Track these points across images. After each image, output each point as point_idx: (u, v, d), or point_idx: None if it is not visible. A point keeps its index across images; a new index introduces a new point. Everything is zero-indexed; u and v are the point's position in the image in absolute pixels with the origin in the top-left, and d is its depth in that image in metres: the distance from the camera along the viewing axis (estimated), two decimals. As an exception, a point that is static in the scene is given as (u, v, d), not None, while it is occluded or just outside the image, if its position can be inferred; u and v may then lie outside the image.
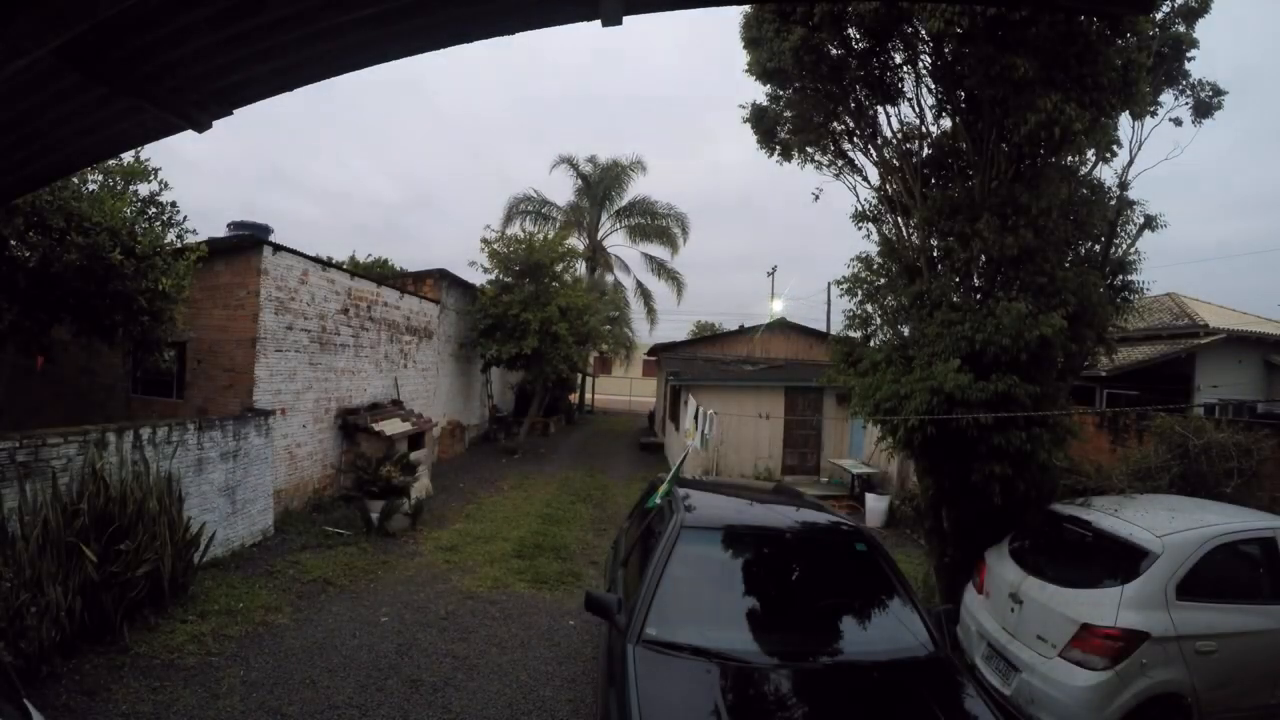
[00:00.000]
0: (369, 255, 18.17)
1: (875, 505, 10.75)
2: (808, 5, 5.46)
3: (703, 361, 17.12)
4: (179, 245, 6.77)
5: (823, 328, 20.83)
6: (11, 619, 4.15)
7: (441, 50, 3.22)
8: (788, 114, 6.73)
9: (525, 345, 14.25)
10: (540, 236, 16.08)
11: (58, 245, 5.57)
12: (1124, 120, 5.62)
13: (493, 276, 15.62)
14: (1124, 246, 6.10)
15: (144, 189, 6.57)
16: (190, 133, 3.62)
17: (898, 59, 5.89)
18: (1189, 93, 6.01)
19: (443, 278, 14.57)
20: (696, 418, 10.03)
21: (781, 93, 6.64)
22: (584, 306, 16.21)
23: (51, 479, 4.91)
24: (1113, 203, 6.00)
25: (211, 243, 7.46)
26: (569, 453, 17.13)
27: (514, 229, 21.68)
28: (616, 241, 25.87)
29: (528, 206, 24.29)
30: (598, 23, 2.88)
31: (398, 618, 5.93)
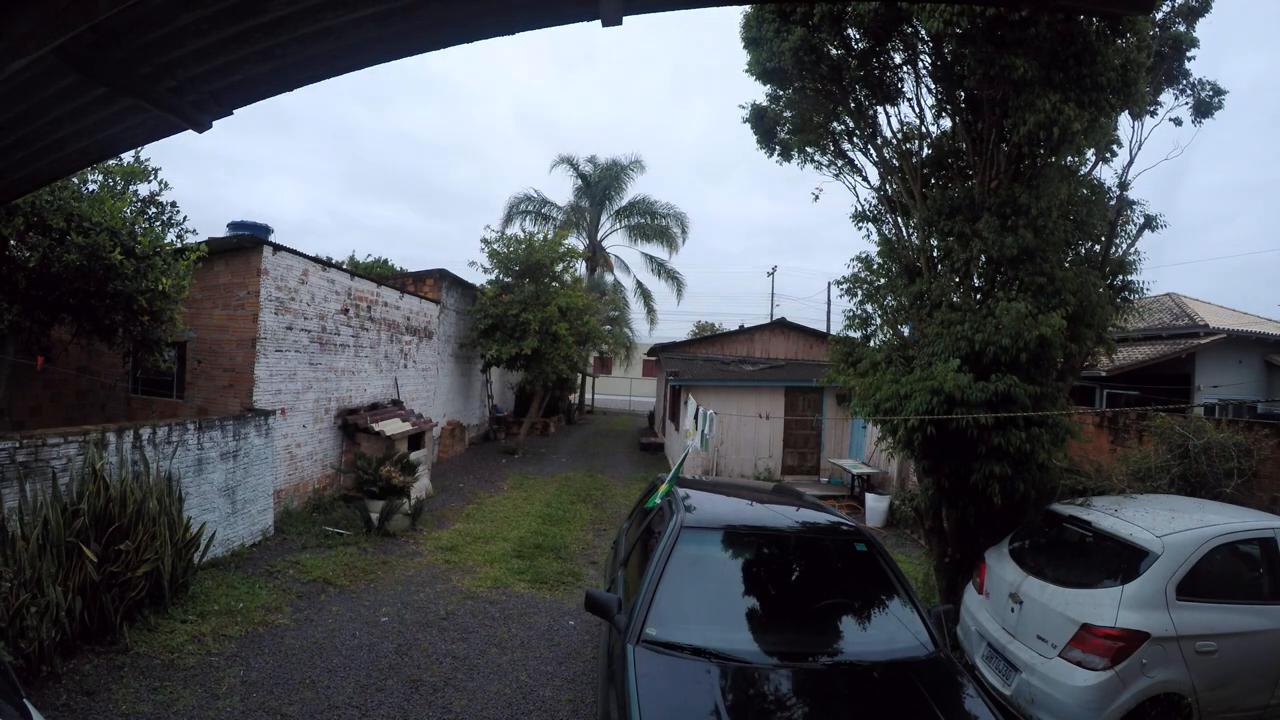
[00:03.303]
0: (369, 255, 18.23)
1: (875, 505, 10.75)
2: (808, 5, 5.47)
3: (703, 361, 17.11)
4: (179, 245, 6.77)
5: (822, 328, 20.85)
6: (11, 619, 4.15)
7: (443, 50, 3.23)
8: (787, 114, 6.73)
9: (525, 345, 14.25)
10: (540, 236, 16.08)
11: (58, 245, 5.57)
12: (1124, 120, 5.63)
13: (493, 276, 15.63)
14: (1124, 246, 6.10)
15: (144, 189, 6.58)
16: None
17: (897, 59, 5.89)
18: (1189, 92, 6.01)
19: (443, 278, 14.58)
20: (696, 418, 10.02)
21: (781, 93, 6.64)
22: (584, 306, 16.21)
23: (51, 479, 4.92)
24: (1113, 203, 6.00)
25: (211, 243, 7.46)
26: (569, 453, 17.13)
27: (514, 229, 21.74)
28: (616, 241, 25.93)
29: (528, 206, 24.31)
30: (598, 22, 2.89)
31: (398, 618, 5.93)
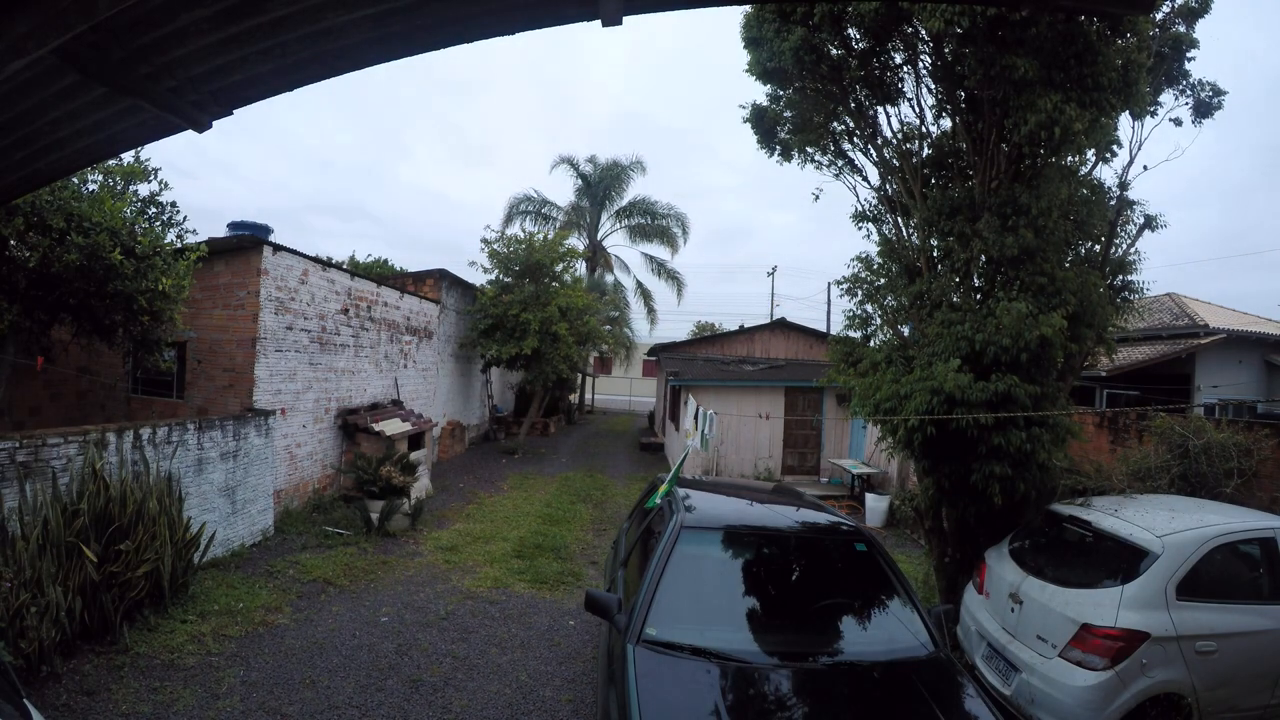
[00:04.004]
0: (369, 255, 18.25)
1: (875, 505, 10.75)
2: (808, 5, 5.47)
3: (703, 361, 17.11)
4: (179, 245, 6.77)
5: (822, 328, 20.85)
6: (11, 619, 4.15)
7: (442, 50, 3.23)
8: (788, 114, 6.73)
9: (525, 345, 14.25)
10: (540, 236, 16.08)
11: (58, 245, 5.57)
12: (1124, 120, 5.62)
13: (493, 276, 15.63)
14: (1124, 246, 6.10)
15: (144, 189, 6.58)
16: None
17: (898, 59, 5.89)
18: (1189, 93, 6.01)
19: (443, 278, 14.58)
20: (696, 418, 10.02)
21: (781, 93, 6.64)
22: (584, 306, 16.21)
23: (51, 479, 4.92)
24: (1113, 203, 6.00)
25: (211, 243, 7.46)
26: (569, 453, 17.13)
27: (514, 229, 21.74)
28: (616, 241, 25.93)
29: (528, 206, 24.31)
30: (598, 22, 2.89)
31: (398, 618, 5.93)
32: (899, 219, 6.23)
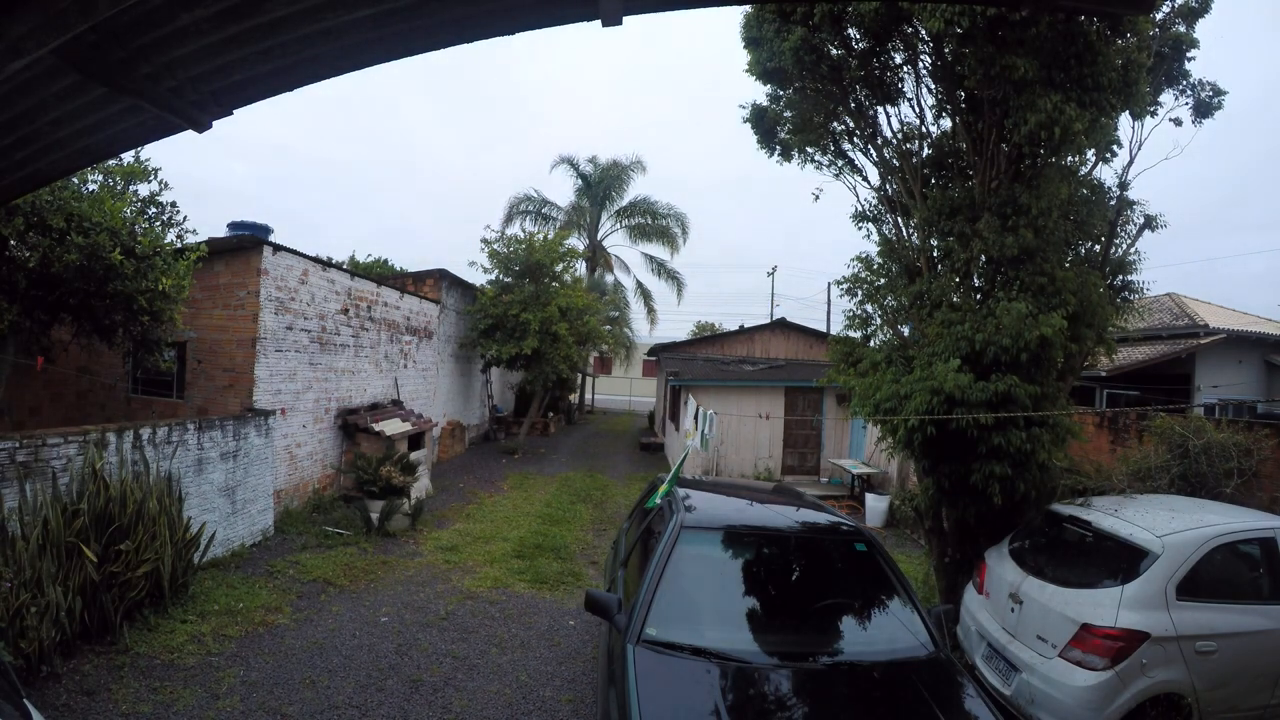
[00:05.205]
0: (369, 255, 18.25)
1: (875, 505, 10.75)
2: (808, 5, 5.47)
3: (703, 361, 17.12)
4: (179, 245, 6.77)
5: (822, 328, 20.86)
6: (11, 619, 4.15)
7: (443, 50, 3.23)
8: (788, 114, 6.73)
9: (525, 345, 14.26)
10: (540, 236, 16.08)
11: (58, 245, 5.57)
12: (1124, 120, 5.63)
13: (493, 276, 15.63)
14: (1124, 246, 6.10)
15: (144, 189, 6.57)
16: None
17: (898, 59, 5.89)
18: (1189, 93, 6.01)
19: (443, 278, 14.58)
20: (696, 418, 10.03)
21: (781, 93, 6.64)
22: (584, 306, 16.21)
23: (51, 479, 4.92)
24: (1113, 203, 6.00)
25: (211, 243, 7.45)
26: (569, 453, 17.13)
27: (514, 229, 21.75)
28: (617, 241, 25.93)
29: (528, 206, 24.31)
30: (598, 22, 2.90)
31: (398, 618, 5.93)
32: (899, 219, 6.23)
